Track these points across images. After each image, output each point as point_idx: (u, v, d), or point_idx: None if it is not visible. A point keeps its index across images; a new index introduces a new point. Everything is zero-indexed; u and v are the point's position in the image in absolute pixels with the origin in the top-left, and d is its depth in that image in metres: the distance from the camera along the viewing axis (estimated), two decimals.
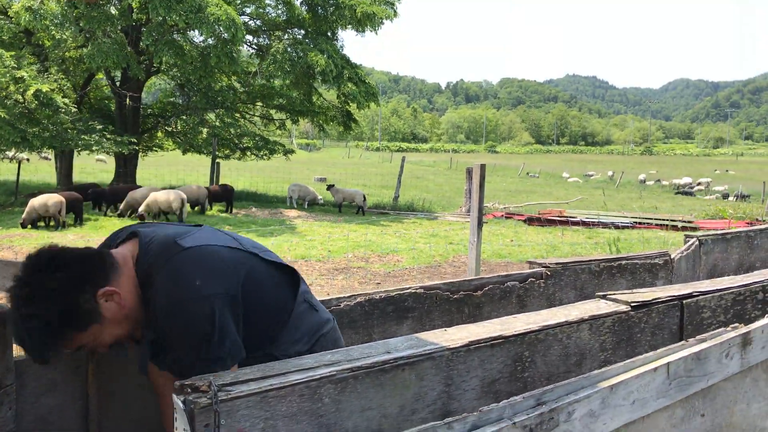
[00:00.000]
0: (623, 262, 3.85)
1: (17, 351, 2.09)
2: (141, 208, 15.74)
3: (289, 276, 2.12)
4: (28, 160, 32.83)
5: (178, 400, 1.67)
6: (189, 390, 1.70)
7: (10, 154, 19.17)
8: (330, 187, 20.91)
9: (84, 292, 1.72)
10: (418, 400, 2.07)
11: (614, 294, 2.78)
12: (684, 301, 2.85)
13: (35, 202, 14.58)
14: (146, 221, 15.47)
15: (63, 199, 14.82)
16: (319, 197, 21.05)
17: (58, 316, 1.69)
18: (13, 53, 17.12)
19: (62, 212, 14.73)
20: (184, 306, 1.76)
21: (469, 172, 18.77)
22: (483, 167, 6.42)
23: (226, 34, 17.69)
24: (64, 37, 18.66)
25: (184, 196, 16.04)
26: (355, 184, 28.10)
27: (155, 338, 1.84)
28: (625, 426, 1.87)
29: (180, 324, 1.77)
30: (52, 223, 15.02)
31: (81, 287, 1.72)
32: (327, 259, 11.56)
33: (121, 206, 16.72)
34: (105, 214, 17.39)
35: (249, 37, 22.11)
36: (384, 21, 21.06)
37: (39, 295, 1.67)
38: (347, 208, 20.45)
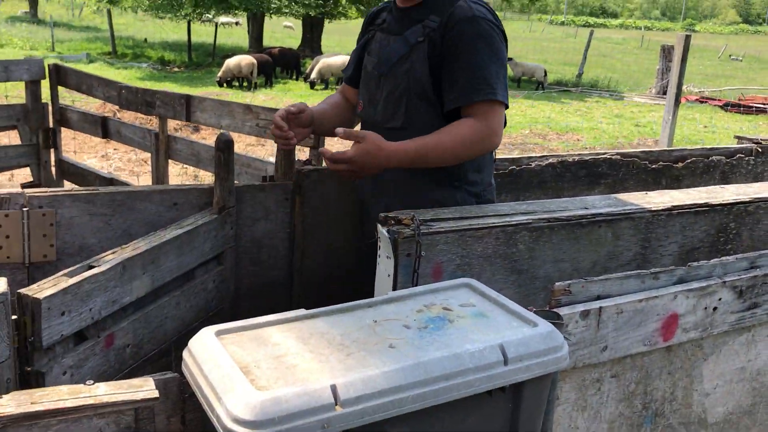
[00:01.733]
0: None
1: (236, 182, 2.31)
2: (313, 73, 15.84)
3: None
4: (237, 23, 34.38)
5: (383, 230, 1.78)
6: (393, 222, 1.80)
7: (210, 16, 20.26)
8: (508, 60, 20.21)
9: None
10: (611, 258, 2.05)
11: None
12: None
13: (230, 62, 15.47)
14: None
15: (255, 61, 15.59)
16: None
17: None
18: None
19: (254, 73, 15.54)
20: (483, 21, 1.90)
21: (664, 49, 17.32)
22: (688, 38, 5.88)
23: None
24: None
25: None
26: (535, 59, 26.92)
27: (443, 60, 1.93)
28: None
29: (476, 33, 1.89)
30: (245, 83, 15.94)
31: None
32: (504, 134, 11.39)
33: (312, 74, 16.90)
34: (293, 78, 18.10)
35: None
36: None
37: None
38: (526, 83, 19.76)
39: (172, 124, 8.09)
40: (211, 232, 2.16)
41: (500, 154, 8.60)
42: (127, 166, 7.70)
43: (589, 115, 13.89)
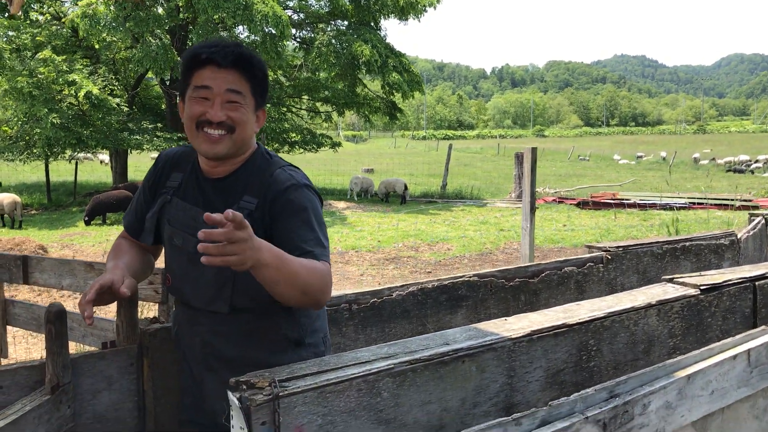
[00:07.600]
0: (687, 243, 3.69)
1: (73, 349, 2.09)
2: None
3: None
4: (100, 158, 33.59)
5: (233, 398, 1.63)
6: (244, 387, 1.65)
7: (68, 154, 19.69)
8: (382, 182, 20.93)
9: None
10: (479, 392, 1.99)
11: (681, 277, 2.64)
12: (757, 283, 2.70)
13: None
14: None
15: (17, 199, 15.53)
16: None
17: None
18: (64, 57, 17.50)
19: (17, 210, 15.43)
20: (306, 189, 1.92)
21: (518, 156, 18.49)
22: (534, 151, 6.26)
23: (273, 30, 17.75)
24: (114, 39, 18.99)
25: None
26: (402, 174, 27.99)
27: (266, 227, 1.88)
28: (704, 418, 1.75)
29: (305, 201, 1.90)
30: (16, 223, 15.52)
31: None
32: (377, 249, 11.52)
33: None
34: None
35: (293, 31, 22.17)
36: (427, 8, 20.89)
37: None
38: (393, 197, 20.39)
39: None
40: (43, 416, 1.91)
41: (372, 270, 8.59)
42: None
43: (456, 224, 14.40)
